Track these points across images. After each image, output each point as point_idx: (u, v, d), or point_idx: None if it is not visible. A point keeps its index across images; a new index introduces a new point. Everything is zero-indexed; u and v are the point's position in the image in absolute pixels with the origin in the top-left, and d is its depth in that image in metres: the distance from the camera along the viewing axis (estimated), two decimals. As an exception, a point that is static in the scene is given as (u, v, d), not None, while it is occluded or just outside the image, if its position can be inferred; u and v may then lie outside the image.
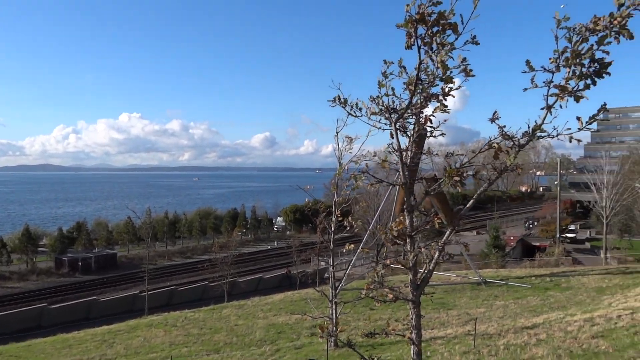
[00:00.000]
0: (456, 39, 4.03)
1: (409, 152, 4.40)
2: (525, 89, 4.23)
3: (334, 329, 10.46)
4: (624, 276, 23.07)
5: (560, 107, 4.28)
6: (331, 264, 12.94)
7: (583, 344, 9.74)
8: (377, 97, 4.55)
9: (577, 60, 3.98)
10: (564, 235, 51.27)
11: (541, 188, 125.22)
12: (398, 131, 4.53)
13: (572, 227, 57.16)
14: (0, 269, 44.21)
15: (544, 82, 4.13)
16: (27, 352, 17.97)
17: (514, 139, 4.24)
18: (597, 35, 4.08)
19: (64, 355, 16.85)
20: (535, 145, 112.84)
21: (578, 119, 4.05)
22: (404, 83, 4.38)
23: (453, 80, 4.56)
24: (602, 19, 4.05)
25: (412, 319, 4.38)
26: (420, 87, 4.37)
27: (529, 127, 4.19)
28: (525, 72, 4.18)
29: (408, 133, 4.60)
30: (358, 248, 15.65)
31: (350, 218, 8.09)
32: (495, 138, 4.31)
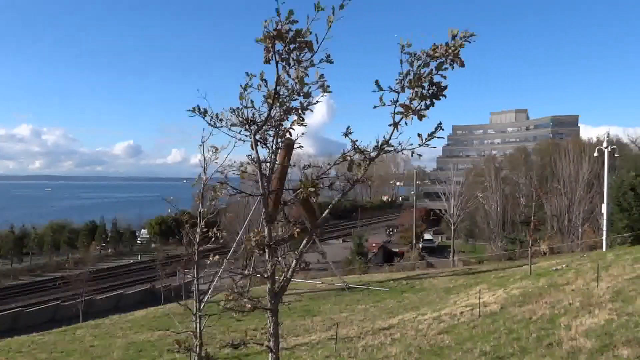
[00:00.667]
0: (312, 56, 4.24)
1: (268, 164, 4.50)
2: (375, 107, 4.58)
3: (198, 343, 10.18)
4: (468, 276, 25.71)
5: (406, 124, 4.72)
6: (195, 276, 12.61)
7: (431, 340, 10.67)
8: (238, 108, 4.61)
9: (419, 83, 4.42)
10: (423, 244, 55.62)
11: (400, 198, 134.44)
12: (258, 143, 4.62)
13: (427, 236, 61.83)
14: None
15: (390, 100, 4.52)
16: None
17: (365, 153, 4.56)
18: (436, 61, 4.56)
19: None
20: (395, 157, 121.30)
21: (419, 135, 4.50)
22: (264, 96, 4.50)
23: (311, 95, 4.79)
24: (439, 47, 4.54)
25: (270, 327, 4.46)
26: (279, 100, 4.51)
27: (377, 142, 4.55)
28: (374, 91, 4.55)
29: (268, 145, 4.72)
30: (225, 259, 15.42)
31: (215, 229, 8.00)
32: (348, 151, 4.62)
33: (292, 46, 4.16)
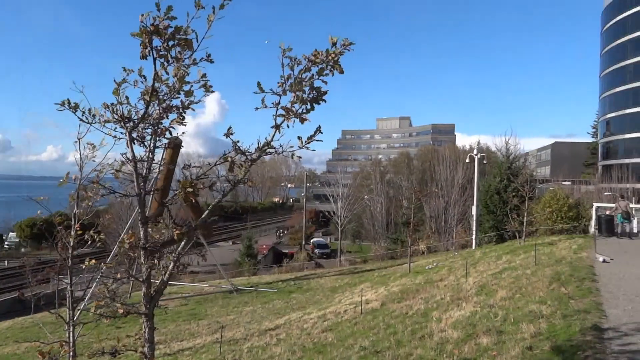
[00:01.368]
0: (192, 54, 4.18)
1: (144, 163, 4.34)
2: (257, 108, 4.62)
3: (71, 353, 9.48)
4: (353, 276, 26.70)
5: (287, 126, 4.82)
6: (69, 282, 11.74)
7: (315, 338, 10.93)
8: (112, 104, 4.39)
9: (299, 87, 4.54)
10: (318, 250, 56.62)
11: (291, 199, 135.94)
12: (135, 141, 4.45)
13: (319, 239, 62.87)
14: None
15: (272, 103, 4.59)
16: None
17: (246, 154, 4.58)
18: (317, 66, 4.70)
19: None
20: (287, 160, 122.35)
21: (299, 138, 4.62)
22: (141, 93, 4.34)
23: (194, 94, 4.70)
24: (320, 53, 4.69)
25: (145, 332, 4.31)
26: (158, 98, 4.38)
27: (258, 143, 4.60)
28: (256, 92, 4.59)
29: (146, 143, 4.56)
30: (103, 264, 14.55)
31: (92, 231, 7.52)
32: (229, 152, 4.61)
33: (170, 43, 4.06)
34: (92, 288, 22.29)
